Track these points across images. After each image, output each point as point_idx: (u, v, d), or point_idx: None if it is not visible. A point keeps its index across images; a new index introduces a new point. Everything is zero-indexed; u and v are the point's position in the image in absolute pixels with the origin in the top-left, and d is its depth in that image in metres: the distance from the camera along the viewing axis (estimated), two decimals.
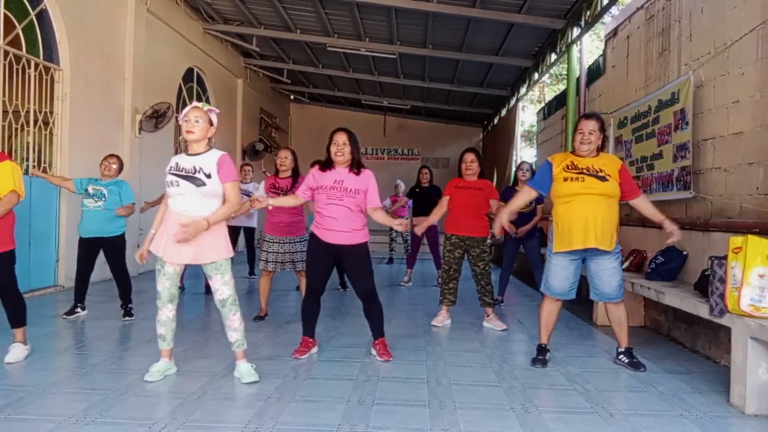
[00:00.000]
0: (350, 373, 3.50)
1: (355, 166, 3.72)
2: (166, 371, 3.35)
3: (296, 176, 4.93)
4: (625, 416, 2.87)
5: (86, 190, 4.93)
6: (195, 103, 3.27)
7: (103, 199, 4.85)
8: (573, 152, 3.73)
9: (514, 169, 12.78)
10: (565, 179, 3.58)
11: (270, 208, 4.02)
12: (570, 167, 3.61)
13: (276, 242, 4.85)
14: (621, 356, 3.80)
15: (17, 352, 3.57)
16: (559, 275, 3.67)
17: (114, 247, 4.95)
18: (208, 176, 3.14)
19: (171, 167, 3.20)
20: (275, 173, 5.01)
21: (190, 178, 3.13)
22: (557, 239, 3.65)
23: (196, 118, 3.17)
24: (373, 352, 3.89)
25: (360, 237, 3.71)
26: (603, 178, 3.53)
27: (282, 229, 4.85)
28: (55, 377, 3.28)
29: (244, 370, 3.29)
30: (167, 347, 3.37)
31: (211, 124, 3.24)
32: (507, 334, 4.74)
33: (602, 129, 3.64)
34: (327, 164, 3.75)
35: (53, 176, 5.08)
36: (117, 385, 3.16)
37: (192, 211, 3.14)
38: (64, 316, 4.92)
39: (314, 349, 3.95)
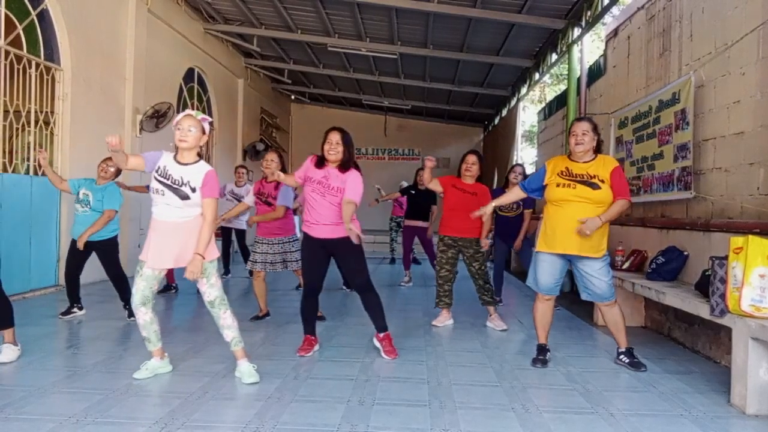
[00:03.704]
0: (351, 373, 3.50)
1: (344, 165, 3.76)
2: (157, 370, 3.36)
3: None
4: (625, 416, 2.87)
5: (78, 193, 4.92)
6: (188, 111, 3.27)
7: (89, 205, 4.86)
8: (570, 156, 3.76)
9: None
10: (558, 185, 3.64)
11: (282, 181, 4.13)
12: (564, 173, 3.66)
13: (265, 243, 4.88)
14: (621, 356, 3.80)
15: (9, 352, 3.56)
16: (546, 271, 3.74)
17: (105, 250, 4.93)
18: (193, 190, 3.17)
19: (159, 169, 3.20)
20: (264, 178, 4.98)
21: (176, 190, 3.15)
22: (541, 238, 3.74)
23: (189, 127, 3.18)
24: (377, 345, 3.93)
25: (344, 231, 3.62)
26: (595, 186, 3.56)
27: (271, 231, 4.87)
28: (55, 377, 3.28)
29: (245, 371, 3.29)
30: (154, 348, 3.38)
31: (203, 133, 3.24)
32: (507, 334, 4.74)
33: (595, 131, 3.69)
34: (321, 162, 3.82)
35: (55, 173, 4.88)
36: (117, 385, 3.16)
37: (174, 218, 3.18)
38: (60, 316, 4.93)
39: (316, 347, 4.00)
